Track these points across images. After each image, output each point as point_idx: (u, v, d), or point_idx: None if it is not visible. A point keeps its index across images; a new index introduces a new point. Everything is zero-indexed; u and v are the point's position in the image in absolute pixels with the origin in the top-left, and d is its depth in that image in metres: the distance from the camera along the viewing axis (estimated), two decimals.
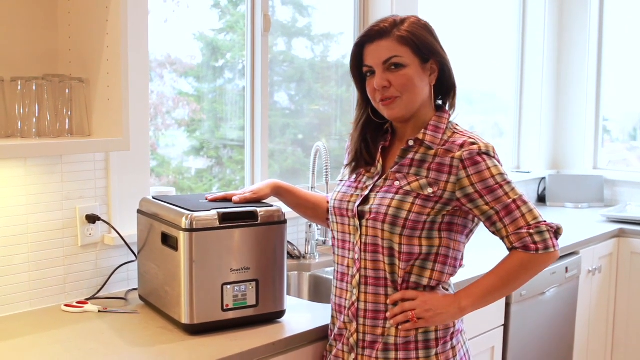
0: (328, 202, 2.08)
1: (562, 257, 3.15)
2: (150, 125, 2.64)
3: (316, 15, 3.27)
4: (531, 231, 1.71)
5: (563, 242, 3.19)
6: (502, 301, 2.75)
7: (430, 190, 1.73)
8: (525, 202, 1.74)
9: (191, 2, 2.74)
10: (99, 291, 2.21)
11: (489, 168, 1.73)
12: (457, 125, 1.85)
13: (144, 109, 2.30)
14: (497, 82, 4.51)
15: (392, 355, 1.76)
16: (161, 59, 2.70)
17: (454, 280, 1.89)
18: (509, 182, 1.74)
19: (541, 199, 4.46)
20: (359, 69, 1.82)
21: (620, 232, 3.66)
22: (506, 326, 2.79)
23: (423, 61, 1.77)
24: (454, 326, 1.81)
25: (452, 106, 1.87)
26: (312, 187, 2.85)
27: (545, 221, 1.74)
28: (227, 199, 2.03)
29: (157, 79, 2.70)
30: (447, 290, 1.81)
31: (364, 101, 1.86)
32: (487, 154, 1.74)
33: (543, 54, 4.44)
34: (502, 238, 1.76)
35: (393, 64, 1.75)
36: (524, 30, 4.49)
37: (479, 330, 2.63)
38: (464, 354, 1.86)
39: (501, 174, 1.74)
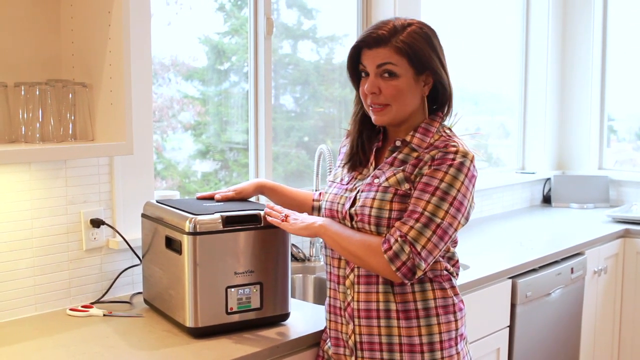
0: (314, 199, 2.09)
1: (567, 258, 3.15)
2: (156, 128, 2.64)
3: (320, 18, 3.27)
4: (399, 239, 1.66)
5: (569, 243, 3.21)
6: (508, 302, 2.74)
7: (406, 186, 1.72)
8: (428, 226, 1.65)
9: (194, 4, 2.75)
10: (103, 295, 2.22)
11: (446, 173, 1.68)
12: (449, 130, 1.82)
13: (148, 113, 2.31)
14: (502, 82, 4.50)
15: (397, 356, 1.75)
16: (165, 62, 2.70)
17: (457, 283, 1.88)
18: (445, 199, 1.66)
19: (546, 200, 4.45)
20: (356, 68, 1.82)
21: (625, 232, 3.65)
22: (512, 327, 2.79)
23: (417, 72, 1.75)
24: (457, 329, 1.79)
25: (448, 114, 1.84)
26: (316, 190, 2.85)
27: (420, 254, 1.65)
28: (212, 197, 2.09)
29: (162, 82, 2.71)
30: (452, 286, 1.80)
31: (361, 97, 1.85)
32: (462, 161, 1.69)
33: (547, 54, 4.43)
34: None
35: (386, 71, 1.74)
36: (528, 30, 4.48)
37: (485, 332, 2.63)
38: None
39: (450, 186, 1.67)
